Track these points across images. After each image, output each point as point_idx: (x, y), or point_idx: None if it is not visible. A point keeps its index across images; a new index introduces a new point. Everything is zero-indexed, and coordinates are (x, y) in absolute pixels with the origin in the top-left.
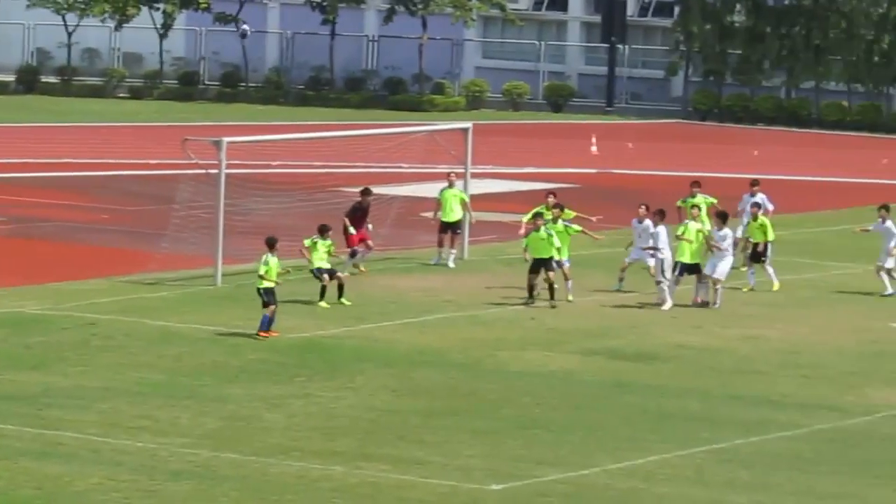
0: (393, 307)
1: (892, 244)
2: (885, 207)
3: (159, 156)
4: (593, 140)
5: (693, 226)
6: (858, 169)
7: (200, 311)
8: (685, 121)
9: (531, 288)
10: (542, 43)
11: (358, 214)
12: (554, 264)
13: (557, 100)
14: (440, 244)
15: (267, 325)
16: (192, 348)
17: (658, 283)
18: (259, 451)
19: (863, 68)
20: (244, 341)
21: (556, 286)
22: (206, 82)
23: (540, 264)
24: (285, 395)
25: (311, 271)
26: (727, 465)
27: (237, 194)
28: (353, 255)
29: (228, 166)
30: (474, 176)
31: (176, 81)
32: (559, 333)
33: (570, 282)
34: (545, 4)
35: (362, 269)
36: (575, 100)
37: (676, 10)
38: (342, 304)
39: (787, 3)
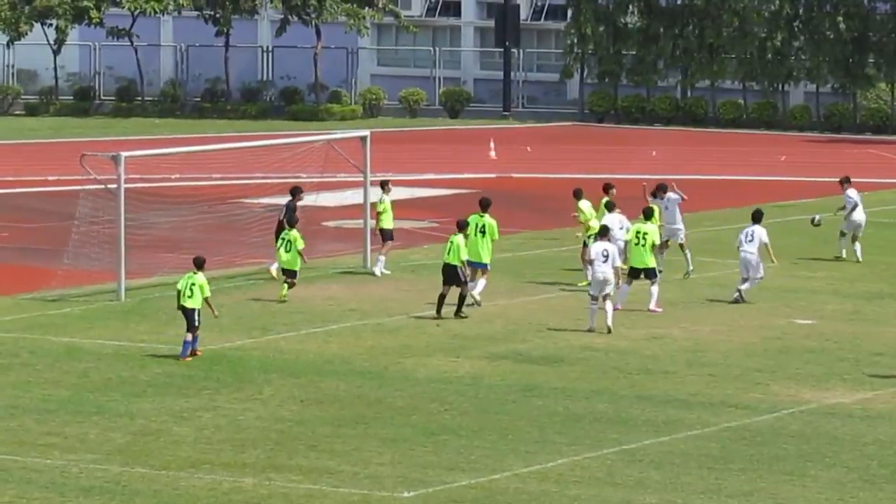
0: (298, 317)
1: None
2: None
3: (57, 172)
4: (491, 145)
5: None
6: (756, 166)
7: (105, 326)
8: (582, 123)
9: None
10: (437, 49)
11: (295, 216)
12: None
13: (454, 105)
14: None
15: (188, 349)
16: (98, 363)
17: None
18: (169, 464)
19: (757, 66)
20: (150, 355)
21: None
22: (102, 97)
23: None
24: (193, 408)
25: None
26: (637, 466)
27: (137, 208)
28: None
29: (127, 181)
30: (374, 184)
31: (71, 97)
32: (465, 339)
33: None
34: (438, 10)
35: (275, 273)
36: (472, 105)
37: (569, 12)
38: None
39: (679, 3)
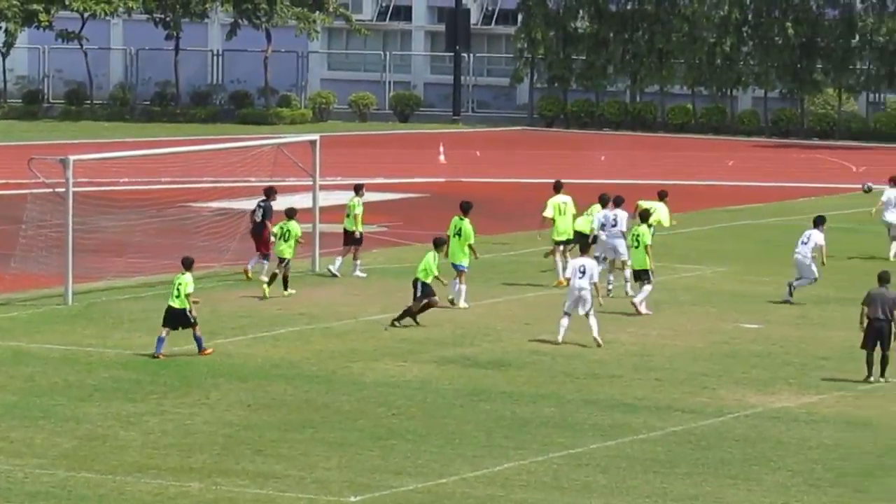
0: (246, 321)
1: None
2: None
3: (5, 176)
4: (441, 149)
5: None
6: (705, 171)
7: (52, 330)
8: (531, 128)
9: None
10: (387, 53)
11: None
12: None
13: (404, 110)
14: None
15: (201, 343)
16: (44, 368)
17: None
18: (115, 469)
19: (706, 71)
20: (98, 359)
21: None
22: (51, 100)
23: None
24: (141, 412)
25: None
26: (584, 470)
27: (86, 212)
28: (266, 257)
29: (76, 184)
30: (323, 188)
31: (20, 100)
32: (413, 343)
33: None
34: (389, 15)
35: (252, 276)
36: (422, 109)
37: (520, 17)
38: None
39: (629, 8)
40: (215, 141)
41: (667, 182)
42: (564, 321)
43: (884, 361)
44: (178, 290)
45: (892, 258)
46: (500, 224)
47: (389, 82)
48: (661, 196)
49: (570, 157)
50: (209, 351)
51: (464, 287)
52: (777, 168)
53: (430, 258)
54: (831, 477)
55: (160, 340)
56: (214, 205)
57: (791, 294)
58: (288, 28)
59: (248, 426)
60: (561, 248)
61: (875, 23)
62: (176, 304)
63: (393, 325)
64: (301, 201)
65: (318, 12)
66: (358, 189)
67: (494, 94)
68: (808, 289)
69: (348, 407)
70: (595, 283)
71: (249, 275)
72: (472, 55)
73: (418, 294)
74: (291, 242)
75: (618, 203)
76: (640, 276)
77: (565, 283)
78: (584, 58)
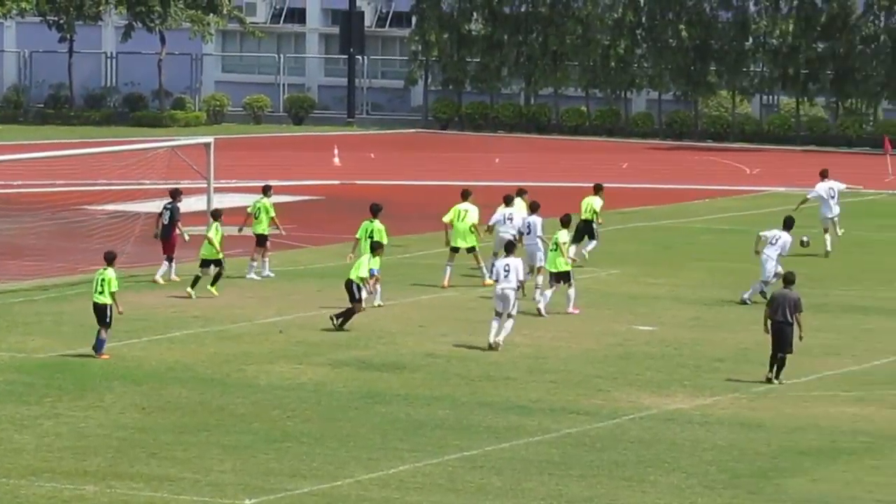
0: (140, 324)
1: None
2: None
3: None
4: (336, 152)
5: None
6: (599, 173)
7: None
8: (426, 130)
9: None
10: (282, 56)
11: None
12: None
13: (298, 112)
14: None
15: (101, 346)
16: None
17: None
18: (10, 472)
19: (600, 73)
20: None
21: None
22: None
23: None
24: (35, 415)
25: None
26: (479, 472)
27: None
28: (171, 259)
29: None
30: (218, 190)
31: None
32: (308, 346)
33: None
34: (283, 17)
35: (163, 280)
36: (316, 112)
37: (414, 19)
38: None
39: (523, 10)
40: (109, 143)
41: (562, 184)
42: (494, 322)
43: (780, 363)
44: (101, 285)
45: (829, 250)
46: (395, 226)
47: (284, 85)
48: (597, 189)
49: (464, 160)
50: (105, 356)
51: (378, 287)
52: (671, 170)
53: (364, 260)
54: (725, 478)
55: (101, 341)
56: (109, 207)
57: (763, 294)
58: (182, 30)
59: (143, 429)
60: (455, 255)
61: (768, 25)
62: (99, 300)
63: (332, 319)
64: (196, 204)
65: (211, 15)
66: (266, 191)
67: (389, 97)
68: (702, 291)
69: (243, 410)
70: (522, 282)
71: (161, 281)
72: (366, 57)
73: (358, 298)
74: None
75: (534, 209)
76: (564, 278)
77: (490, 283)
78: (478, 60)
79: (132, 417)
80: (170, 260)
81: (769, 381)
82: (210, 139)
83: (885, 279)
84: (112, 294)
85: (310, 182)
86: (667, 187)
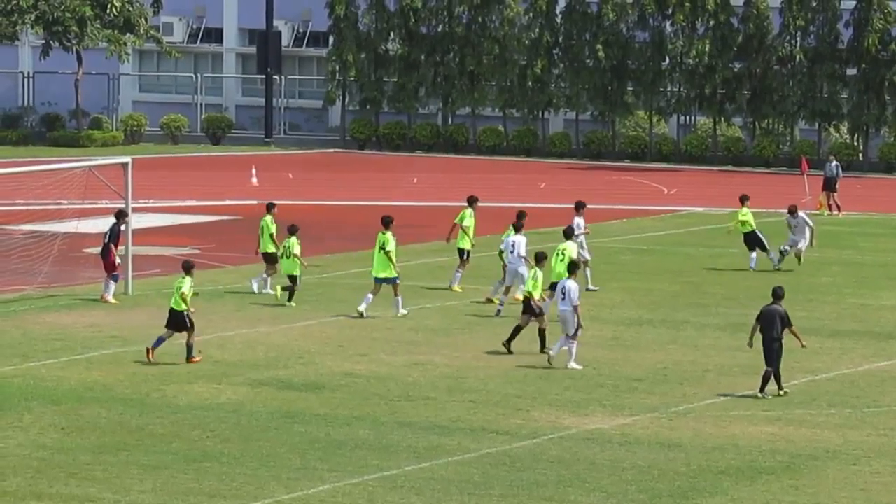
0: (58, 344)
1: None
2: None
3: None
4: (253, 172)
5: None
6: (516, 193)
7: None
8: (344, 150)
9: None
10: (199, 75)
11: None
12: None
13: (216, 132)
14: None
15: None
16: None
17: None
18: None
19: (517, 93)
20: None
21: None
22: None
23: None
24: None
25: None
26: (398, 492)
27: None
28: (115, 278)
29: None
30: (136, 210)
31: None
32: (227, 366)
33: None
34: (200, 37)
35: (114, 300)
36: (234, 131)
37: (331, 39)
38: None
39: (440, 30)
40: (26, 163)
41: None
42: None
43: (767, 377)
44: (178, 293)
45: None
46: (313, 246)
47: (201, 104)
48: (578, 207)
49: (382, 180)
50: (197, 359)
51: (399, 297)
52: (589, 190)
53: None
54: (645, 498)
55: (159, 339)
56: (26, 227)
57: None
58: (99, 50)
59: (62, 449)
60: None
61: (685, 45)
62: (175, 306)
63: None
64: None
65: (128, 35)
66: (269, 208)
67: (306, 117)
68: (621, 311)
69: (162, 430)
70: (576, 306)
71: (110, 300)
72: (283, 77)
73: (538, 311)
74: (292, 259)
75: (517, 229)
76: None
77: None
78: (395, 80)
79: (51, 437)
80: (115, 279)
81: (783, 393)
82: (128, 159)
83: (804, 299)
84: (183, 299)
85: (227, 202)
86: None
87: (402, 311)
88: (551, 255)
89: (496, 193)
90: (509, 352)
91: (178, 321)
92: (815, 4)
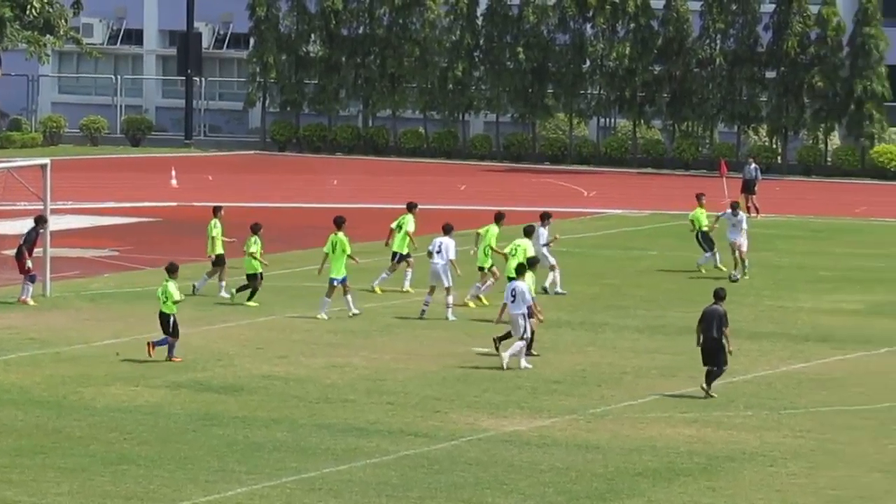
0: None
1: None
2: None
3: None
4: (173, 173)
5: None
6: (437, 195)
7: None
8: (264, 152)
9: None
10: (119, 77)
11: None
12: None
13: (136, 134)
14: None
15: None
16: None
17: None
18: None
19: (438, 95)
20: None
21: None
22: None
23: None
24: None
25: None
26: (316, 494)
27: None
28: (32, 279)
29: None
30: (55, 212)
31: None
32: (145, 368)
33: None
34: (120, 38)
35: (32, 301)
36: (154, 133)
37: (252, 41)
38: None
39: (361, 32)
40: None
41: (399, 206)
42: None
43: (710, 375)
44: (165, 296)
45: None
46: (232, 248)
47: (121, 106)
48: (497, 219)
49: (303, 182)
50: (178, 359)
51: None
52: (509, 192)
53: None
54: (563, 500)
55: (164, 339)
56: None
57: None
58: (18, 51)
59: None
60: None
61: (605, 48)
62: (164, 309)
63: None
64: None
65: (48, 36)
66: (217, 210)
67: (227, 118)
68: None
69: (80, 432)
70: (529, 306)
71: (28, 302)
72: (204, 79)
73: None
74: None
75: (447, 231)
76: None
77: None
78: (316, 82)
79: None
80: (32, 280)
81: (707, 394)
82: (47, 161)
83: None
84: (174, 303)
85: (147, 204)
86: (504, 209)
87: (355, 311)
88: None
89: (417, 196)
90: (495, 350)
91: (166, 323)
92: (734, 8)
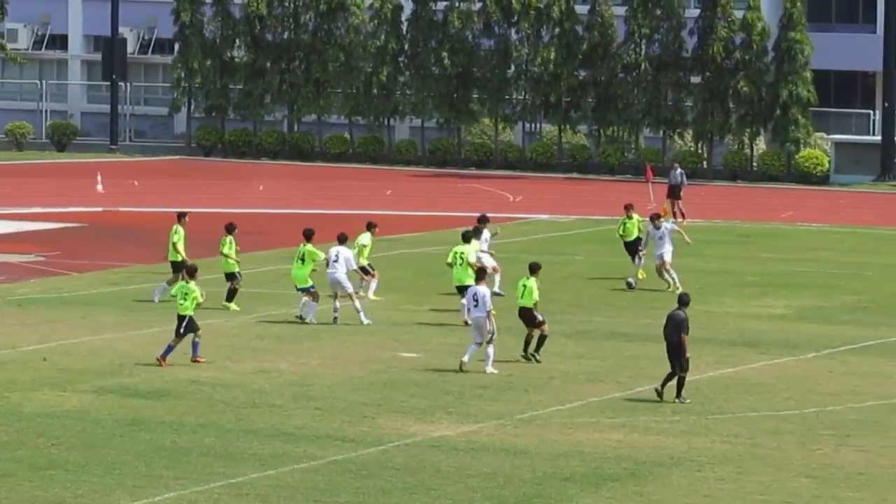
0: None
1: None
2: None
3: None
4: (98, 178)
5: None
6: (363, 200)
7: None
8: (190, 157)
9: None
10: (44, 82)
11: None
12: None
13: (61, 139)
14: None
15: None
16: None
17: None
18: None
19: (363, 101)
20: None
21: None
22: None
23: None
24: None
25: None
26: (244, 500)
27: None
28: None
29: None
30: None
31: None
32: (72, 373)
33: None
34: (45, 44)
35: None
36: (79, 138)
37: (177, 46)
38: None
39: (286, 37)
40: None
41: (324, 211)
42: (472, 348)
43: (678, 382)
44: (184, 298)
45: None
46: (159, 253)
47: (46, 111)
48: (369, 227)
49: (228, 187)
50: (203, 360)
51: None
52: (435, 197)
53: (532, 283)
54: None
55: (195, 344)
56: None
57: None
58: None
59: None
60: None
61: (530, 53)
62: (181, 311)
63: (533, 357)
64: None
65: None
66: (181, 217)
67: (152, 124)
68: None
69: (6, 437)
70: (490, 311)
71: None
72: (129, 84)
73: (541, 320)
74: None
75: (341, 241)
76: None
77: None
78: (241, 87)
79: None
80: None
81: (658, 394)
82: None
83: (647, 306)
84: (197, 304)
85: (73, 209)
86: (430, 214)
87: (312, 320)
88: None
89: (342, 201)
90: (528, 360)
91: (186, 324)
92: (659, 13)
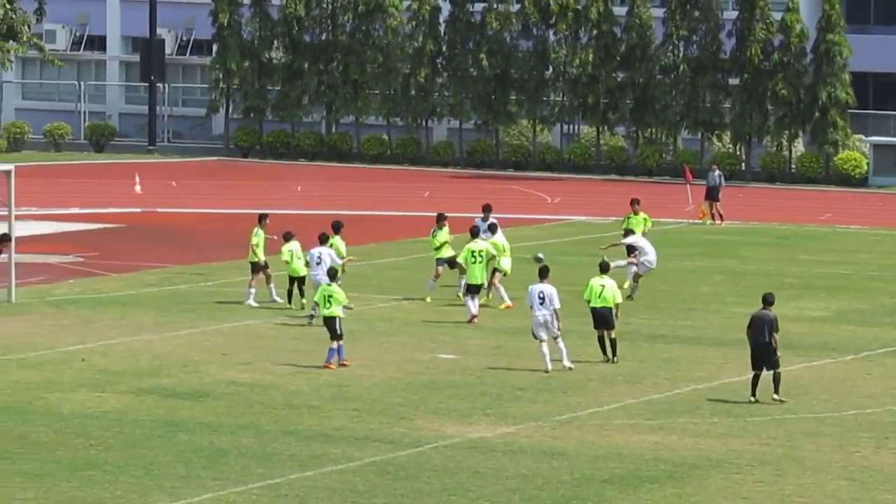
0: None
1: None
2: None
3: None
4: (137, 179)
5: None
6: (400, 202)
7: None
8: (227, 158)
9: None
10: (82, 83)
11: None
12: None
13: (99, 140)
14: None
15: (339, 355)
16: None
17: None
18: None
19: (401, 102)
20: None
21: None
22: None
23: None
24: None
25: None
26: (283, 500)
27: None
28: None
29: None
30: (19, 218)
31: None
32: (110, 374)
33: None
34: (83, 45)
35: None
36: (117, 139)
37: (215, 47)
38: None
39: (324, 38)
40: None
41: (362, 212)
42: (542, 348)
43: (775, 379)
44: (328, 301)
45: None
46: (196, 254)
47: (84, 112)
48: (439, 219)
49: (266, 188)
50: (348, 362)
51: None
52: (472, 199)
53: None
54: None
55: (331, 351)
56: None
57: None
58: None
59: None
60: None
61: (568, 54)
62: (326, 313)
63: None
64: None
65: (11, 42)
66: (261, 219)
67: (190, 125)
68: (504, 320)
69: (46, 438)
70: (556, 309)
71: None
72: (167, 85)
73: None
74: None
75: (322, 241)
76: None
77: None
78: (279, 88)
79: None
80: None
81: (755, 401)
82: (10, 166)
83: (685, 308)
84: (344, 306)
85: (111, 210)
86: (467, 216)
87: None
88: (465, 255)
89: (381, 202)
90: (608, 360)
91: (331, 327)
92: (697, 14)
